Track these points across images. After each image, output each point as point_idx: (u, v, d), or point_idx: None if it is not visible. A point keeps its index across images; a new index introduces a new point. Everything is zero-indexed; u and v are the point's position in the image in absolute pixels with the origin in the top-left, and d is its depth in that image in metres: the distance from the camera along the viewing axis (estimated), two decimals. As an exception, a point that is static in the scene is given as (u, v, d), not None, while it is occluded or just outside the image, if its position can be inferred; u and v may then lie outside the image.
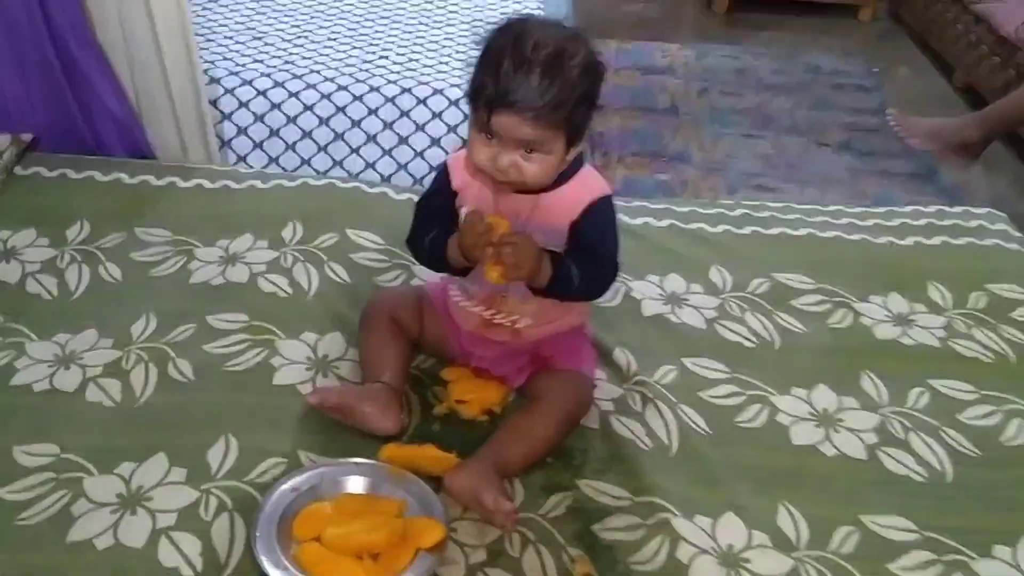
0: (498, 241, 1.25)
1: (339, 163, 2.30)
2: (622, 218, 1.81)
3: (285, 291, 1.61)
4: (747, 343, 1.58)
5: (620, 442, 1.37)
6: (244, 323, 1.54)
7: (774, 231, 1.86)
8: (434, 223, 1.37)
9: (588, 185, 1.34)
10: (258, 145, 2.30)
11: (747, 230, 1.86)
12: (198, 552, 1.17)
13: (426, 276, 1.59)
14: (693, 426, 1.41)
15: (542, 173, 1.27)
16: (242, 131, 2.28)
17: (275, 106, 2.27)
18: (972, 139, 2.89)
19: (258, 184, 1.89)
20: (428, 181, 1.58)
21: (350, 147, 2.29)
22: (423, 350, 1.49)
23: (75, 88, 1.94)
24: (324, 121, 2.27)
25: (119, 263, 1.66)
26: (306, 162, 2.30)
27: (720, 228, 1.86)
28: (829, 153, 3.41)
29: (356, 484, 1.27)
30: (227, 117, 2.29)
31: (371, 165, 2.30)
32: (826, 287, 1.71)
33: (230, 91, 2.26)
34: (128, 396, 1.40)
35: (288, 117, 2.28)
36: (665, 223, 1.86)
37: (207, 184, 1.88)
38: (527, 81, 1.19)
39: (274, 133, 2.29)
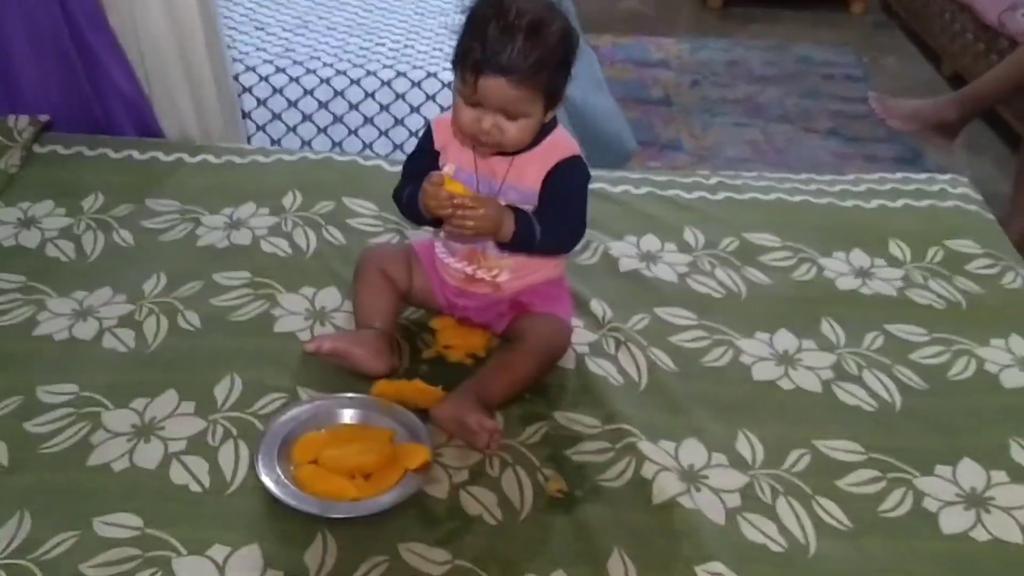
0: (457, 205, 1.36)
1: (338, 144, 2.42)
2: (602, 186, 1.94)
3: (285, 252, 1.73)
4: (715, 294, 1.69)
5: (593, 379, 1.49)
6: (247, 279, 1.66)
7: (746, 196, 1.97)
8: (415, 180, 1.48)
9: (560, 145, 1.45)
10: (260, 128, 2.42)
11: (720, 196, 1.97)
12: (206, 471, 1.29)
13: (415, 236, 1.71)
14: (661, 365, 1.52)
15: (521, 135, 1.38)
16: (246, 115, 2.41)
17: (276, 91, 2.40)
18: (950, 119, 2.99)
19: (260, 159, 2.01)
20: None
21: (348, 129, 2.41)
22: (411, 302, 1.60)
23: (89, 71, 2.07)
24: (323, 105, 2.40)
25: (131, 229, 1.79)
26: (306, 143, 2.43)
27: (696, 195, 1.97)
28: (817, 139, 3.52)
29: (350, 415, 1.39)
30: (262, 103, 2.43)
31: (368, 146, 2.42)
32: (792, 245, 1.82)
33: (234, 78, 2.39)
34: (141, 343, 1.52)
35: (289, 101, 2.40)
36: (643, 190, 1.98)
37: (212, 159, 2.00)
38: (511, 45, 1.29)
39: (275, 116, 2.41)
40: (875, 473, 1.35)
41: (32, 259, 1.71)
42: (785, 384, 1.50)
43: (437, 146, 1.51)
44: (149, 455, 1.32)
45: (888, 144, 3.45)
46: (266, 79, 2.41)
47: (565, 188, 1.45)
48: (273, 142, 2.44)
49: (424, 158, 1.52)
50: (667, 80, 3.90)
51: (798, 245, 1.82)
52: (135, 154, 2.02)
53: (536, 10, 1.33)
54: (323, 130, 2.42)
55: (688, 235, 1.84)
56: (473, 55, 1.32)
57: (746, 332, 1.60)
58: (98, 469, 1.30)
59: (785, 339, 1.59)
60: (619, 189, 1.98)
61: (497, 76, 1.31)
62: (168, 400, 1.41)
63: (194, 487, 1.27)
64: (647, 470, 1.33)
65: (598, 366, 1.51)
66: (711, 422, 1.42)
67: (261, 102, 2.41)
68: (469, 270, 1.52)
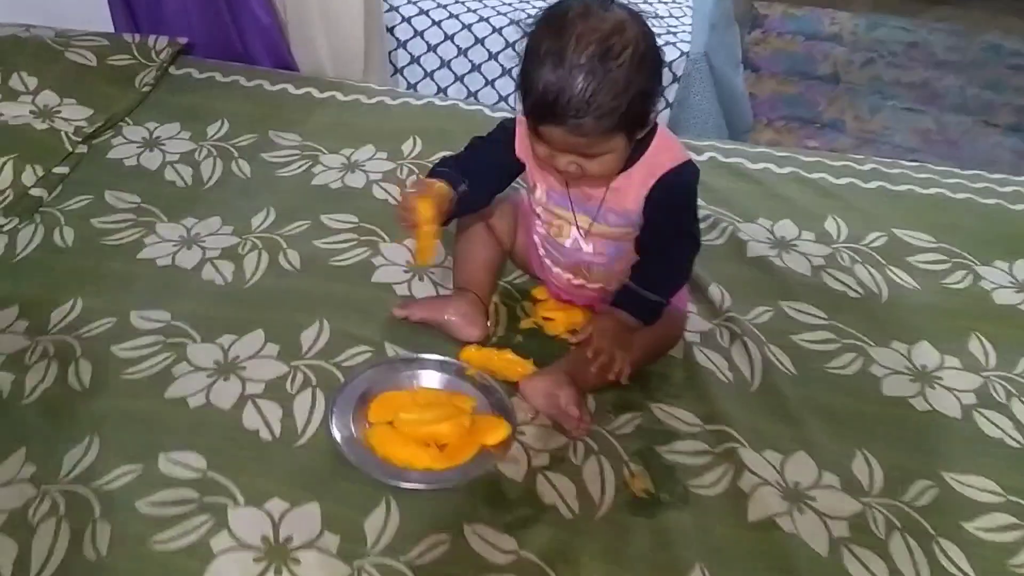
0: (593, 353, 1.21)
1: (473, 94, 2.34)
2: (740, 161, 1.79)
3: (395, 199, 1.67)
4: (852, 293, 1.53)
5: (700, 372, 1.36)
6: (354, 224, 1.60)
7: (901, 187, 1.78)
8: (475, 175, 1.34)
9: (663, 156, 1.27)
10: (398, 71, 2.37)
11: (872, 184, 1.79)
12: (278, 419, 1.25)
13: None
14: (778, 365, 1.38)
15: (606, 170, 1.22)
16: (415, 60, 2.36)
17: (418, 34, 2.34)
18: None
19: (388, 100, 1.95)
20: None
21: (485, 79, 2.34)
22: (514, 261, 1.50)
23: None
24: (463, 52, 2.32)
25: (250, 160, 1.76)
26: (442, 90, 2.36)
27: (844, 180, 1.79)
28: (996, 135, 3.22)
29: (433, 379, 1.31)
30: (402, 45, 2.37)
31: (504, 98, 2.34)
32: (947, 247, 1.63)
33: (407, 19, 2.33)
34: (238, 278, 1.49)
35: (429, 45, 2.33)
36: (786, 170, 1.81)
37: (340, 96, 1.96)
38: (570, 89, 1.11)
39: (414, 60, 2.35)
40: (1012, 519, 1.18)
41: (150, 180, 1.71)
42: (919, 404, 1.33)
43: (519, 154, 1.35)
44: (226, 394, 1.28)
45: (1078, 148, 3.12)
46: (408, 20, 2.34)
47: (672, 208, 1.29)
48: (410, 86, 2.38)
49: (499, 153, 1.36)
50: (838, 56, 3.65)
51: (954, 248, 1.63)
52: (266, 84, 1.99)
53: (602, 34, 1.12)
54: (460, 78, 2.34)
55: (830, 224, 1.67)
56: (529, 100, 1.15)
57: (881, 340, 1.44)
58: (174, 402, 1.27)
59: (925, 353, 1.42)
60: (759, 166, 1.82)
61: (557, 127, 1.14)
62: (254, 340, 1.37)
63: (264, 434, 1.22)
64: (746, 482, 1.20)
65: (707, 358, 1.38)
66: (826, 436, 1.27)
67: (401, 44, 2.35)
68: (576, 282, 1.40)
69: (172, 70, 2.00)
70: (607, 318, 1.28)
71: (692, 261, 1.34)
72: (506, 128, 1.37)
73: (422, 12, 2.34)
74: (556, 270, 1.41)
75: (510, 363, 1.32)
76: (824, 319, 1.47)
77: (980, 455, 1.26)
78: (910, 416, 1.32)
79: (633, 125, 1.18)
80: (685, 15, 2.45)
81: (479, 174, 1.34)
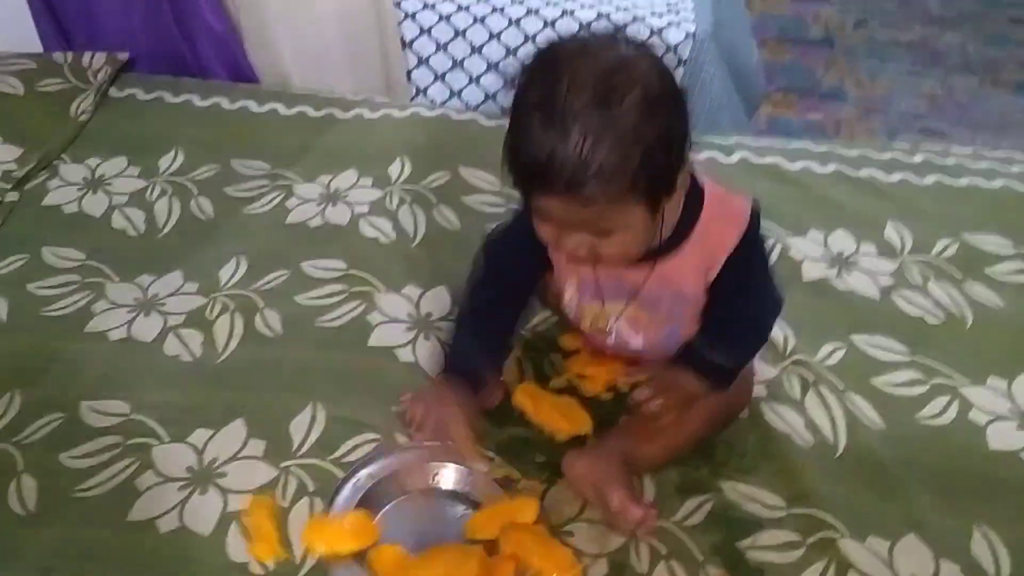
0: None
1: (491, 97, 2.09)
2: (776, 161, 1.57)
3: (388, 236, 1.43)
4: (931, 318, 1.31)
5: (773, 436, 1.14)
6: (341, 271, 1.36)
7: (962, 182, 1.56)
8: (499, 317, 1.12)
9: (721, 234, 1.01)
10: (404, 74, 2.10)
11: (929, 180, 1.57)
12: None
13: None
14: (863, 419, 1.16)
15: (627, 251, 0.96)
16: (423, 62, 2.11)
17: (424, 31, 2.06)
18: None
19: (366, 113, 1.70)
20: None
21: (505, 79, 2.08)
22: (542, 299, 1.26)
23: (174, 3, 1.78)
24: (476, 49, 2.06)
25: (212, 197, 1.52)
26: (456, 94, 2.11)
27: (896, 177, 1.57)
28: (1006, 95, 3.04)
29: (447, 476, 1.08)
30: (407, 45, 2.10)
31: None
32: (1029, 252, 1.42)
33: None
34: (209, 351, 1.24)
35: (438, 44, 2.07)
36: (830, 168, 1.59)
37: (311, 112, 1.70)
38: (563, 150, 0.84)
39: (422, 62, 2.09)
40: None
41: (95, 230, 1.46)
42: (1035, 458, 1.12)
43: (544, 237, 0.99)
44: (204, 514, 1.04)
45: (1097, 104, 2.94)
46: (412, 16, 2.06)
47: (748, 287, 1.04)
48: (419, 92, 2.12)
49: (522, 258, 1.09)
50: (829, 17, 3.47)
51: (1037, 253, 1.42)
52: (224, 103, 1.73)
53: (599, 75, 0.85)
54: (475, 79, 2.08)
55: (891, 233, 1.45)
56: (516, 165, 0.90)
57: (974, 376, 1.22)
58: (141, 527, 1.03)
59: (1029, 389, 1.21)
60: (798, 166, 1.59)
61: (551, 197, 0.89)
62: (234, 435, 1.13)
63: (255, 568, 0.98)
64: (852, 582, 0.98)
65: (779, 417, 1.16)
66: (936, 512, 1.06)
67: (407, 44, 2.08)
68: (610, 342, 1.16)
69: (113, 92, 1.74)
70: (670, 372, 1.06)
71: (773, 323, 1.12)
72: (522, 221, 1.04)
73: (427, 6, 2.06)
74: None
75: (556, 417, 1.12)
76: (906, 354, 1.25)
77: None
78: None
79: (654, 189, 0.90)
80: (688, -9, 2.20)
81: (505, 316, 1.12)
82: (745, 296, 1.04)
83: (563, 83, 0.85)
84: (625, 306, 1.07)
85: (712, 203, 1.00)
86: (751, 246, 1.01)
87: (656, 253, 1.00)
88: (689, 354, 1.07)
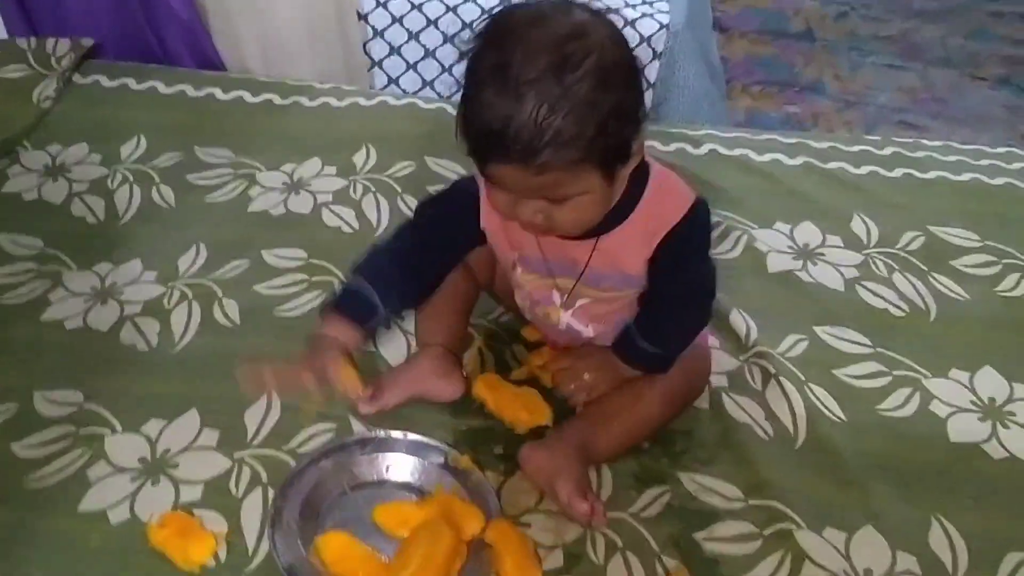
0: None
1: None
2: (744, 152, 1.57)
3: (351, 226, 1.41)
4: (895, 311, 1.31)
5: (733, 426, 1.13)
6: (302, 261, 1.35)
7: (931, 175, 1.56)
8: (419, 264, 1.09)
9: (661, 210, 1.01)
10: (376, 64, 2.07)
11: (898, 172, 1.56)
12: (224, 536, 0.99)
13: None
14: (825, 411, 1.15)
15: (583, 218, 0.95)
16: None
17: (396, 20, 2.04)
18: None
19: (333, 102, 1.68)
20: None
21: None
22: (494, 297, 1.26)
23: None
24: (449, 39, 2.05)
25: (174, 185, 1.49)
26: (428, 84, 2.09)
27: (865, 169, 1.57)
28: (985, 88, 3.05)
29: (401, 467, 1.06)
30: (379, 34, 2.08)
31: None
32: (994, 245, 1.42)
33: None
34: (165, 340, 1.23)
35: (410, 33, 2.05)
36: (799, 161, 1.58)
37: (277, 100, 1.68)
38: (519, 114, 0.84)
39: (394, 51, 2.07)
40: None
41: (54, 218, 1.43)
42: (994, 451, 1.12)
43: (483, 226, 1.08)
44: (156, 504, 1.02)
45: (1077, 97, 2.95)
46: (384, 5, 2.04)
47: (683, 268, 1.04)
48: (390, 81, 2.10)
49: (454, 228, 1.10)
50: (809, 10, 3.47)
51: (1002, 246, 1.42)
52: (189, 90, 1.71)
53: (553, 43, 0.85)
54: (448, 69, 2.06)
55: (857, 225, 1.45)
56: (469, 134, 0.90)
57: (937, 368, 1.22)
58: (91, 517, 1.01)
59: (991, 381, 1.21)
60: (766, 158, 1.59)
61: (506, 165, 0.88)
62: (188, 425, 1.11)
63: (210, 563, 0.97)
64: (808, 574, 0.97)
65: (740, 407, 1.16)
66: (895, 503, 1.05)
67: (378, 33, 2.05)
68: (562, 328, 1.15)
69: (77, 78, 1.71)
70: (599, 351, 1.08)
71: (709, 314, 1.12)
72: (464, 191, 1.08)
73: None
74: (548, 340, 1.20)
75: (516, 408, 1.11)
76: (869, 346, 1.25)
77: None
78: (986, 467, 1.11)
79: (610, 156, 0.90)
80: (662, -20, 2.19)
81: (423, 268, 1.09)
82: (680, 278, 1.04)
83: (517, 50, 0.85)
84: (575, 282, 1.06)
85: (656, 181, 1.01)
86: (691, 227, 1.01)
87: (599, 229, 1.00)
88: (623, 341, 1.07)
